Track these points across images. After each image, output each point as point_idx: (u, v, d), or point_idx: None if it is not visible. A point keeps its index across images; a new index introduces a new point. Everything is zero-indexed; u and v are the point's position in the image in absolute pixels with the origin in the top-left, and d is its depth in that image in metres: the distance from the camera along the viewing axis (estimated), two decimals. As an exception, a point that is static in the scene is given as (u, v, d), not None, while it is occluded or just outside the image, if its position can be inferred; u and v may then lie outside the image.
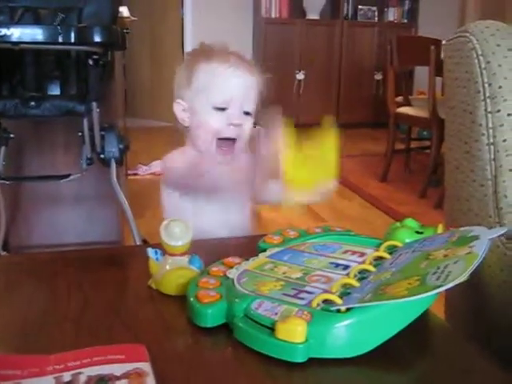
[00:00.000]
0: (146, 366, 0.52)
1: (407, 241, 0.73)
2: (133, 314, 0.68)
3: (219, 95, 1.02)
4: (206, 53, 1.05)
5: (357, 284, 0.63)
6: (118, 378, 0.49)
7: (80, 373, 0.50)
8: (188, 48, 5.32)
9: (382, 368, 0.56)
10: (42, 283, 0.77)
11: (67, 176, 1.81)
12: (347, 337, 0.56)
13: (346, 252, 0.76)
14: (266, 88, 1.07)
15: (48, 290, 0.75)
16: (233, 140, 1.04)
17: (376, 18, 5.81)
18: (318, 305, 0.59)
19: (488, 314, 0.93)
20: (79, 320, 0.66)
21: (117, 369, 0.51)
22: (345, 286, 0.63)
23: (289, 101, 5.54)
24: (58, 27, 1.46)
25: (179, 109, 1.07)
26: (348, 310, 0.57)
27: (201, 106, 1.04)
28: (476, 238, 0.63)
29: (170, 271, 0.71)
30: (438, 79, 3.13)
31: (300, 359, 0.55)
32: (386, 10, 5.85)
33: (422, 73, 4.36)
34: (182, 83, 1.06)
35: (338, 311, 0.57)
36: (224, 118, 1.03)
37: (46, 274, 0.79)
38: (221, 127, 1.03)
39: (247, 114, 1.04)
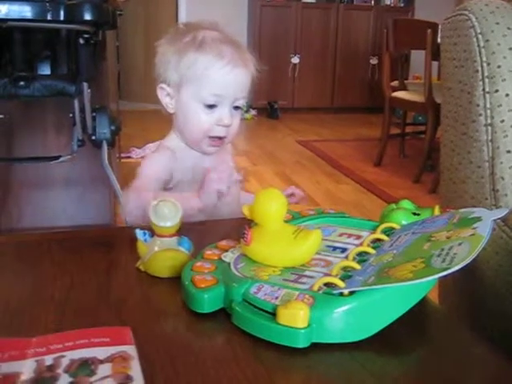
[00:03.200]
0: (131, 350, 0.50)
1: (404, 222, 0.71)
2: (119, 296, 0.66)
3: (210, 93, 0.97)
4: (198, 39, 0.98)
5: (358, 266, 0.61)
6: (102, 362, 0.48)
7: (62, 356, 0.48)
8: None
9: (382, 352, 0.55)
10: (28, 264, 0.75)
11: (58, 157, 1.78)
12: (351, 321, 0.54)
13: (341, 235, 0.74)
14: (259, 76, 1.03)
15: (33, 271, 0.73)
16: (222, 137, 1.02)
17: (372, 2, 5.78)
18: (320, 288, 0.58)
19: (482, 297, 0.92)
20: (64, 302, 0.64)
21: (100, 352, 0.49)
22: (345, 268, 0.61)
23: (284, 84, 5.51)
24: (47, 4, 1.43)
25: (163, 94, 1.02)
26: (350, 293, 0.55)
27: (188, 98, 0.99)
28: (478, 219, 0.62)
29: (159, 252, 0.69)
30: (434, 64, 3.11)
31: (302, 344, 0.53)
32: (382, -7, 5.81)
33: (417, 57, 4.33)
34: (167, 66, 1.00)
35: (341, 294, 0.56)
36: (213, 118, 0.99)
37: (32, 255, 0.77)
38: (210, 127, 0.99)
39: (237, 108, 1.01)
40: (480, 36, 0.86)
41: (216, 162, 1.06)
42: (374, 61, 5.71)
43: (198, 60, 0.96)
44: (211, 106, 0.98)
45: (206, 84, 0.97)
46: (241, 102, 1.01)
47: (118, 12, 1.76)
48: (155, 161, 1.05)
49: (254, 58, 1.03)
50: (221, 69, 0.96)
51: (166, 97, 1.02)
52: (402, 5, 5.87)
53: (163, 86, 1.02)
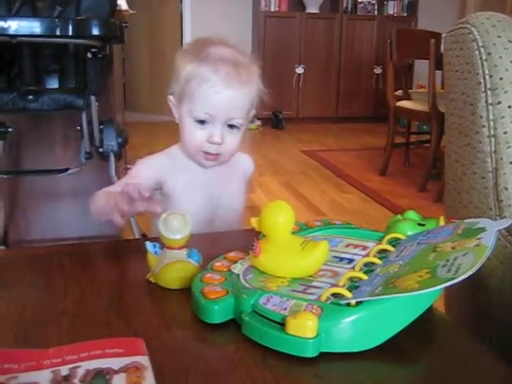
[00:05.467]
0: (144, 360, 0.51)
1: (410, 233, 0.72)
2: (131, 307, 0.67)
3: (202, 111, 0.98)
4: (201, 57, 0.98)
5: (365, 277, 0.62)
6: (116, 372, 0.49)
7: (78, 366, 0.50)
8: (187, 42, 5.29)
9: (390, 361, 0.56)
10: (40, 277, 0.77)
11: (66, 170, 1.80)
12: (358, 330, 0.56)
13: (348, 245, 0.75)
14: (263, 92, 1.03)
15: (45, 284, 0.75)
16: (215, 154, 1.02)
17: (376, 12, 5.80)
18: (328, 299, 0.59)
19: (488, 307, 0.93)
20: (77, 314, 0.65)
21: (115, 362, 0.50)
22: (352, 279, 0.63)
23: (288, 95, 5.53)
24: (56, 20, 1.45)
25: (171, 104, 1.05)
26: (357, 303, 0.57)
27: (184, 112, 1.01)
28: (482, 229, 0.63)
29: (169, 265, 0.71)
30: (438, 73, 3.12)
31: (311, 354, 0.54)
32: (385, 3, 5.83)
33: (421, 66, 4.35)
34: (174, 78, 1.02)
35: (348, 305, 0.57)
36: (205, 134, 0.99)
37: (44, 268, 0.79)
38: (202, 142, 1.00)
39: (233, 126, 1.00)
40: (482, 49, 0.88)
41: (217, 178, 1.07)
42: (378, 70, 5.73)
43: (194, 76, 0.97)
44: (202, 122, 0.99)
45: (198, 101, 0.98)
46: (237, 122, 1.00)
47: (124, 24, 1.78)
48: (146, 163, 1.08)
49: (259, 77, 1.02)
50: (211, 88, 0.96)
51: (173, 107, 1.06)
52: (405, 14, 5.89)
53: (170, 97, 1.05)
